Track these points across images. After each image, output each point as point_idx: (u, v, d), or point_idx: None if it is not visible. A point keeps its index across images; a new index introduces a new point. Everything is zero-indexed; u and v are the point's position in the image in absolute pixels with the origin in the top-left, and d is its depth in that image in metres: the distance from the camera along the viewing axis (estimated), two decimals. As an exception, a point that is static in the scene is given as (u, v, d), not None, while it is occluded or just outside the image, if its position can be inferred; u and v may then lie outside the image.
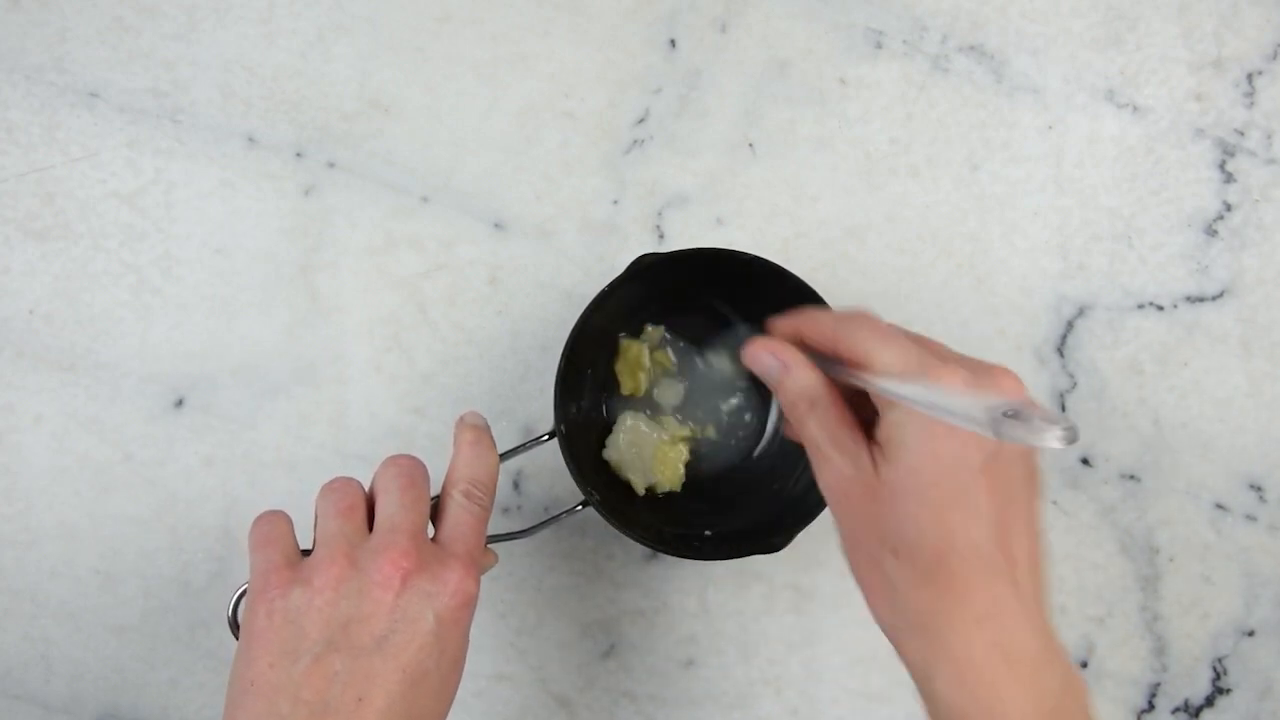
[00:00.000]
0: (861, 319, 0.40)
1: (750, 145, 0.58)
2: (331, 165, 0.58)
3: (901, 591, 0.37)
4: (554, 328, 0.57)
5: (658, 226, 0.58)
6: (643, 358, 0.54)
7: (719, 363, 0.54)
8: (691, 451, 0.54)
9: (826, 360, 0.41)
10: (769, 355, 0.42)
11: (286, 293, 0.57)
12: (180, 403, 0.56)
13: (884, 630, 0.39)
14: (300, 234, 0.57)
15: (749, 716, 0.56)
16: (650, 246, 0.58)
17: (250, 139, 0.58)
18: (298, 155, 0.58)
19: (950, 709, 0.36)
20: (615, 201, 0.58)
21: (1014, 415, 0.30)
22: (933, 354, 0.38)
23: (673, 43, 0.59)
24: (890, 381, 0.37)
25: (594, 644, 0.56)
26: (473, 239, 0.57)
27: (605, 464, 0.53)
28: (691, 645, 0.56)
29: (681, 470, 0.53)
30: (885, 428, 0.38)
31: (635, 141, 0.58)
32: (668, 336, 0.54)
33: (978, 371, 0.37)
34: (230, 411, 0.56)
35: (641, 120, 0.59)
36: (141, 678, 0.55)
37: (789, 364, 0.41)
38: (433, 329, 0.57)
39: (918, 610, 0.37)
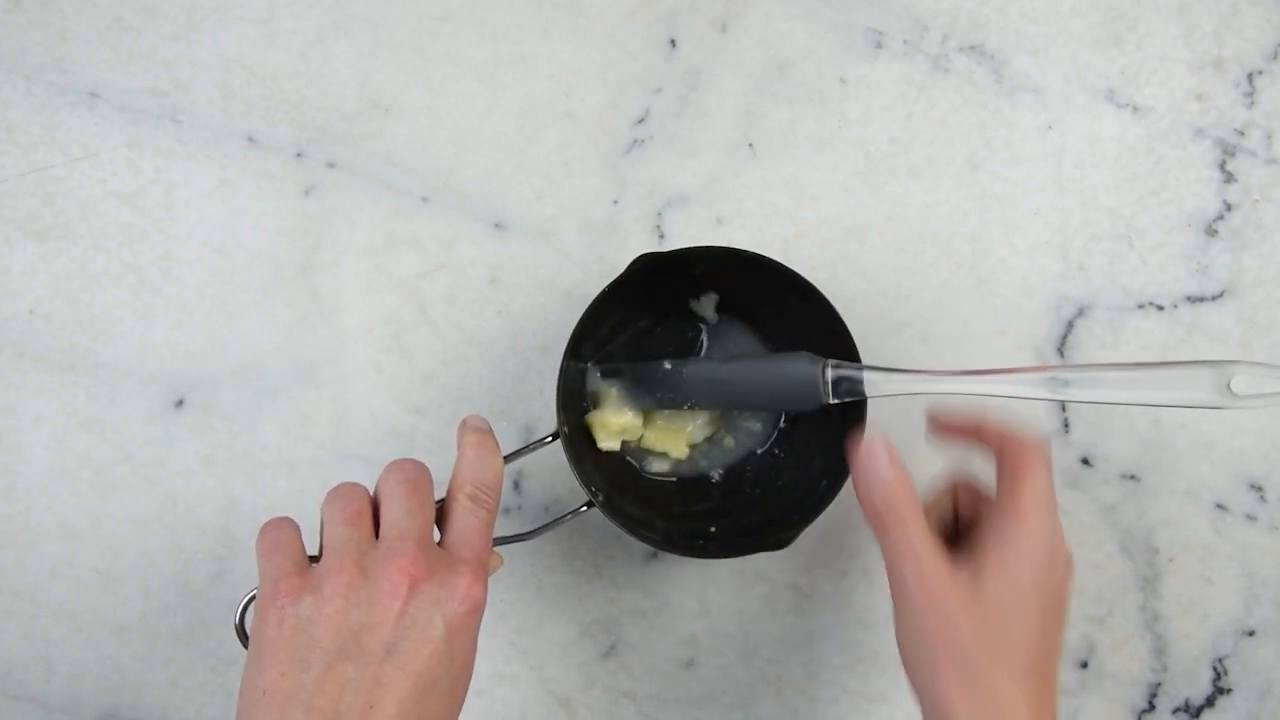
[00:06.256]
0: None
1: (750, 145, 0.58)
2: (331, 165, 0.58)
3: (983, 683, 0.41)
4: (554, 328, 0.57)
5: (658, 226, 0.58)
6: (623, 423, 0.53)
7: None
8: (696, 448, 0.54)
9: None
10: (879, 459, 0.44)
11: (286, 293, 0.57)
12: (180, 403, 0.56)
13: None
14: (300, 234, 0.57)
15: (749, 716, 0.56)
16: (650, 246, 0.58)
17: (250, 139, 0.58)
18: (298, 155, 0.58)
19: None
20: (615, 201, 0.58)
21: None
22: None
23: (673, 43, 0.59)
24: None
25: (594, 644, 0.56)
26: (473, 239, 0.57)
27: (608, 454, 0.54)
28: (691, 645, 0.56)
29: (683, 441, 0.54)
30: (986, 542, 0.43)
31: (635, 141, 0.58)
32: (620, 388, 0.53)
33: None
34: (230, 411, 0.56)
35: (641, 120, 0.59)
36: (141, 678, 0.55)
37: (896, 471, 0.44)
38: (433, 329, 0.57)
39: (991, 696, 0.41)
